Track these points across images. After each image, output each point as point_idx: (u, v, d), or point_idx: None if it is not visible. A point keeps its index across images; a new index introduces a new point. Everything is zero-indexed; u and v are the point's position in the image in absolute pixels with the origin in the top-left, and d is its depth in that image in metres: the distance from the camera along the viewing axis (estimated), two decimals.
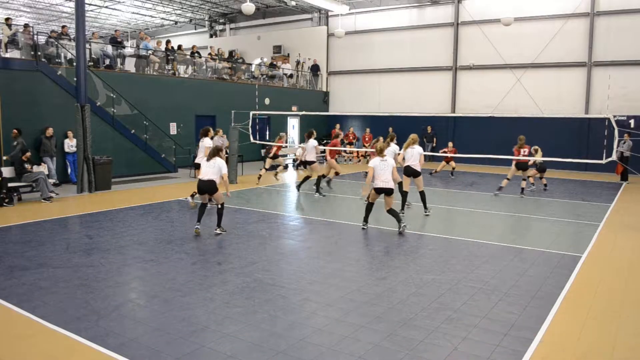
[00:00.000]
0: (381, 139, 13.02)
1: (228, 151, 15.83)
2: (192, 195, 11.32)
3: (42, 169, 12.34)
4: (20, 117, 13.12)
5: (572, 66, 20.18)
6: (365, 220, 9.12)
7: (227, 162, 15.13)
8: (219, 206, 8.60)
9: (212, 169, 8.45)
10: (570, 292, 5.90)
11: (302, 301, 5.52)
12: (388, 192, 8.62)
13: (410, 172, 10.35)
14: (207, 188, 8.42)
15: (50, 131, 13.35)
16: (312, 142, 12.80)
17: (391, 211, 8.82)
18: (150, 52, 18.05)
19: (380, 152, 8.78)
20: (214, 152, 8.60)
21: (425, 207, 10.41)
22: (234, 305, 5.35)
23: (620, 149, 11.59)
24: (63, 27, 16.72)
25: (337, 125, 13.75)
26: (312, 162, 12.86)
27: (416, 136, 10.60)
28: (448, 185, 15.57)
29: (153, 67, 18.04)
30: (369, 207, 9.02)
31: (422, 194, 10.39)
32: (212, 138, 11.75)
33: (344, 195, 13.24)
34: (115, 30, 19.29)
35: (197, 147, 16.70)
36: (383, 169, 8.61)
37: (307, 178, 13.18)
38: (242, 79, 22.14)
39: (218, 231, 8.56)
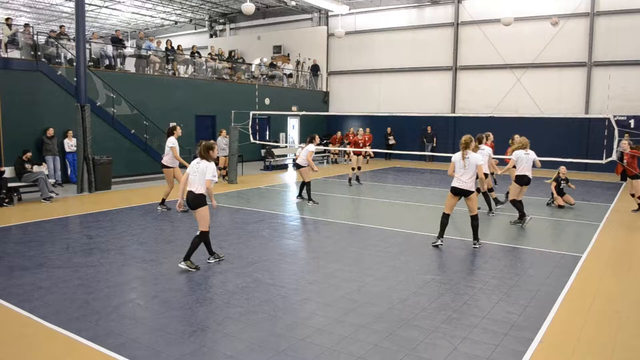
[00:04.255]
0: (517, 137, 11.32)
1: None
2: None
3: (43, 168, 12.34)
4: (20, 117, 13.13)
5: (572, 66, 20.19)
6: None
7: (227, 162, 15.41)
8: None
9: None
10: (570, 292, 5.90)
11: (302, 301, 5.52)
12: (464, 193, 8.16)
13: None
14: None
15: (50, 131, 13.40)
16: None
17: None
18: (150, 52, 18.06)
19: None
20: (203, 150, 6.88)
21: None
22: (234, 305, 5.35)
23: (620, 149, 11.62)
24: (61, 27, 16.71)
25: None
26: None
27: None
28: (448, 185, 15.52)
29: (153, 67, 18.03)
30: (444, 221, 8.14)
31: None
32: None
33: (343, 195, 13.25)
34: (116, 30, 19.30)
35: (197, 147, 16.87)
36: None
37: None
38: (242, 79, 22.13)
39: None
